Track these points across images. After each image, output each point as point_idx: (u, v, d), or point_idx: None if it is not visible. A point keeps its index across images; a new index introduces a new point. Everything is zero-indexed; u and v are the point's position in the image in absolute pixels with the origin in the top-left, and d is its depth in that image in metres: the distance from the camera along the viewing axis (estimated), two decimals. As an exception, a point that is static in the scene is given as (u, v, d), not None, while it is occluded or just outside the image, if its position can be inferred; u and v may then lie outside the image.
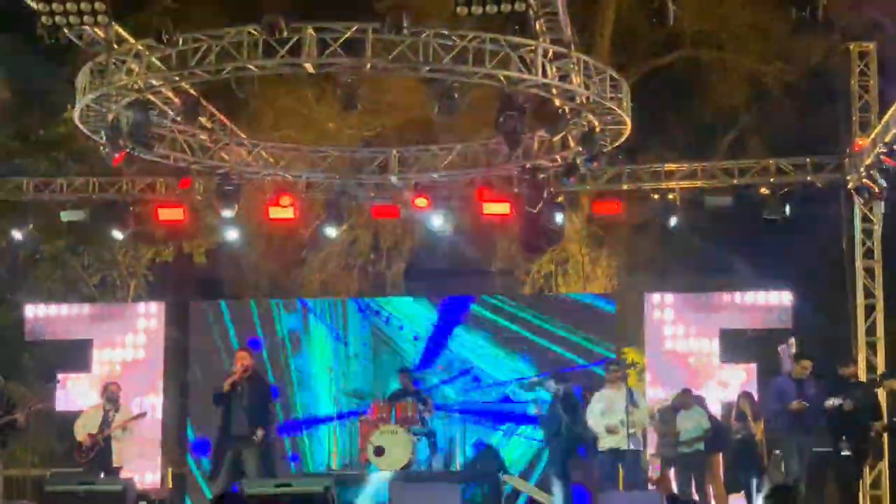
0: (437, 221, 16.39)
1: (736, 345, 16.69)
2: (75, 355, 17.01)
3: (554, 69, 12.78)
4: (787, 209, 15.53)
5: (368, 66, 12.50)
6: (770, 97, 20.78)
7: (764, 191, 15.67)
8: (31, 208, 16.60)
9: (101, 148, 13.99)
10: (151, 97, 13.60)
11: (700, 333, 16.45)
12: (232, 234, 16.66)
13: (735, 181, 15.91)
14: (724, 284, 17.28)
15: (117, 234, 16.50)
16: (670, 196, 15.85)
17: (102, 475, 13.38)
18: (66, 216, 16.36)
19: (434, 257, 20.43)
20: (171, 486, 16.20)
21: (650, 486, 14.21)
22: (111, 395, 14.20)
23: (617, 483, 13.50)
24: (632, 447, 13.39)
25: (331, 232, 16.71)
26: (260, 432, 13.08)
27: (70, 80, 13.70)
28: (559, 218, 15.93)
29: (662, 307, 16.68)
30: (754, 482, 13.77)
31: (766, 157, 16.30)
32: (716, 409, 15.06)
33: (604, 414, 13.50)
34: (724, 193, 15.84)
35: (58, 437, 17.08)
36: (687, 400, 14.38)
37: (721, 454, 14.36)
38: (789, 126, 19.77)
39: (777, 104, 20.71)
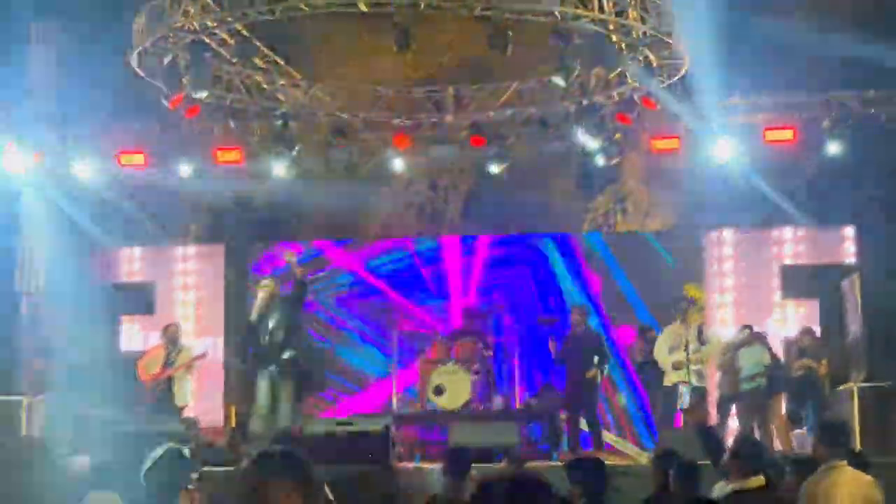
0: (495, 159, 16.29)
1: (798, 281, 16.46)
2: (138, 297, 17.20)
3: (611, 4, 12.60)
4: (851, 143, 15.24)
5: (423, 4, 12.41)
6: (833, 26, 20.25)
7: (826, 124, 15.38)
8: (90, 151, 16.64)
9: None
10: (207, 39, 13.61)
11: (761, 269, 16.29)
12: (289, 176, 16.66)
13: (797, 115, 15.62)
14: (785, 219, 17.03)
15: (184, 170, 16.47)
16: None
17: (165, 415, 13.57)
18: (126, 159, 16.44)
19: (491, 195, 20.30)
20: (233, 425, 16.40)
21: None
22: (172, 337, 14.35)
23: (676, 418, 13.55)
24: (695, 383, 13.40)
25: (398, 165, 16.52)
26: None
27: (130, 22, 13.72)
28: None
29: (722, 244, 16.52)
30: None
31: (828, 89, 15.94)
32: (777, 346, 14.94)
33: (672, 350, 13.52)
34: (785, 127, 15.56)
35: (123, 378, 17.30)
36: (748, 337, 14.27)
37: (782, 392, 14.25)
38: (853, 58, 19.28)
39: (841, 34, 20.19)
